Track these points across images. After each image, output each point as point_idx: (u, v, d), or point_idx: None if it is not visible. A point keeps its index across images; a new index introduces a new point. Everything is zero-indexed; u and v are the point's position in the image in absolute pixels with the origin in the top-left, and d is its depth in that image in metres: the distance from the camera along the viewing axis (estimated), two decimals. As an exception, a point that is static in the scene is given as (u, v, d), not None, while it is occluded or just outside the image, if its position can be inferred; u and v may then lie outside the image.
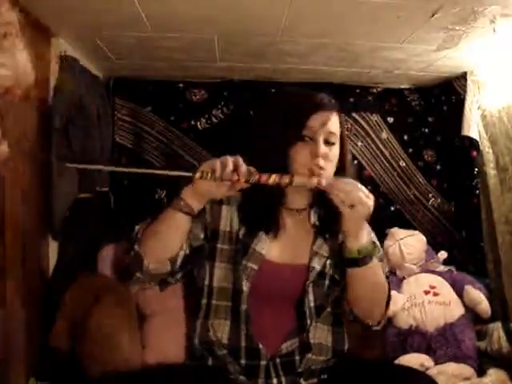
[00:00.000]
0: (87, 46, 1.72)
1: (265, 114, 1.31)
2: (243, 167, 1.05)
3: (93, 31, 1.59)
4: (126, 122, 2.17)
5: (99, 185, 2.02)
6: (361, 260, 1.15)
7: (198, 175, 1.05)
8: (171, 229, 1.14)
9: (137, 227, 1.22)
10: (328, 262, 1.24)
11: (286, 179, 1.09)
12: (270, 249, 1.22)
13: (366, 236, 1.16)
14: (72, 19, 1.50)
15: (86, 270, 1.74)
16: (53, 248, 1.75)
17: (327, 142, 1.18)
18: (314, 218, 1.27)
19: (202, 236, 1.24)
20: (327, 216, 1.23)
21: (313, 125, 1.16)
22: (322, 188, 1.10)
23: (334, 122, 1.20)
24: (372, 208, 1.09)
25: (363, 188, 1.09)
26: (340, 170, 1.23)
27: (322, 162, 1.14)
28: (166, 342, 1.51)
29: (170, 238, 1.15)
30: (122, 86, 2.16)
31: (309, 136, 1.16)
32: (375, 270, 1.19)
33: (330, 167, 1.18)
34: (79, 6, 1.36)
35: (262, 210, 1.20)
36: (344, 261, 1.18)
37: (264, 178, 1.08)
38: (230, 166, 1.04)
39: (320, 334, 1.26)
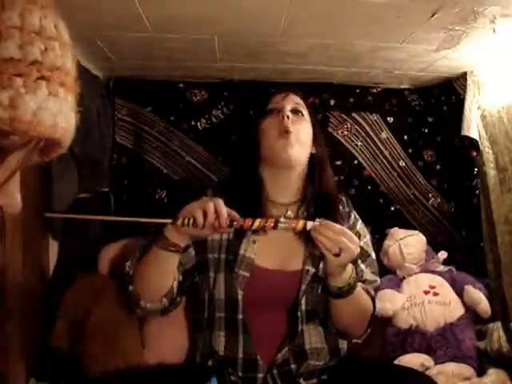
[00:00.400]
0: (87, 46, 1.71)
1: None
2: (224, 214, 1.03)
3: (93, 31, 1.59)
4: (126, 122, 2.17)
5: (99, 185, 2.02)
6: (344, 293, 1.15)
7: (179, 223, 1.03)
8: (160, 269, 1.13)
9: (127, 264, 1.21)
10: (321, 265, 1.23)
11: (270, 223, 1.04)
12: (259, 253, 1.21)
13: (349, 272, 1.14)
14: (72, 19, 1.50)
15: (85, 270, 1.74)
16: (53, 248, 1.75)
17: (295, 112, 1.22)
18: (303, 216, 1.25)
19: (193, 254, 1.23)
20: (318, 214, 1.20)
21: (277, 99, 1.24)
22: (307, 232, 1.07)
23: (299, 101, 1.29)
24: (357, 251, 1.07)
25: (348, 232, 1.06)
26: (315, 159, 1.26)
27: (288, 124, 1.18)
28: (166, 343, 1.51)
29: (161, 279, 1.15)
30: (122, 86, 2.16)
31: (275, 108, 1.21)
32: (358, 295, 1.19)
33: (299, 134, 1.21)
34: (79, 6, 1.36)
35: (245, 204, 1.18)
36: (327, 292, 1.18)
37: (248, 222, 1.04)
38: (212, 216, 1.02)
39: (315, 337, 1.25)
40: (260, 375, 1.18)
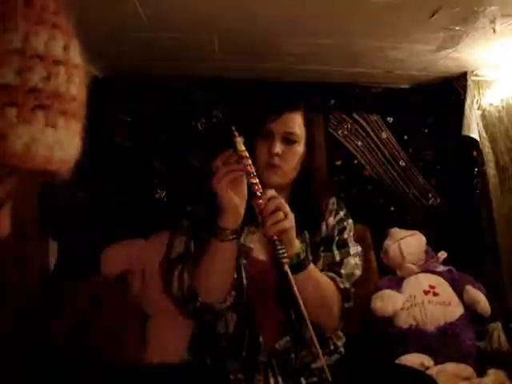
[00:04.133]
0: (87, 46, 1.71)
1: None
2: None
3: (93, 31, 1.59)
4: (126, 121, 2.17)
5: (99, 185, 2.02)
6: (295, 266, 1.15)
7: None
8: (227, 263, 1.16)
9: (178, 282, 1.19)
10: (310, 257, 1.25)
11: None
12: (256, 245, 1.24)
13: (296, 246, 1.16)
14: (72, 19, 1.50)
15: (86, 270, 1.74)
16: (53, 248, 1.75)
17: (287, 141, 1.20)
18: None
19: None
20: (300, 213, 1.24)
21: (271, 126, 1.20)
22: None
23: (294, 123, 1.23)
24: (277, 199, 1.10)
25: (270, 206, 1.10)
26: (306, 172, 1.24)
27: (275, 160, 1.19)
28: (168, 341, 1.52)
29: (229, 272, 1.18)
30: (122, 86, 2.16)
31: (267, 132, 1.20)
32: (314, 277, 1.19)
33: (286, 166, 1.21)
34: (79, 5, 1.36)
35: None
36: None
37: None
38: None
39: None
40: (262, 358, 1.20)
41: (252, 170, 1.09)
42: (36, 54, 0.41)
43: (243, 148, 1.09)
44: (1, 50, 0.39)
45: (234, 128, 1.09)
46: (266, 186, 1.24)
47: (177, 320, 1.52)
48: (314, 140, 1.27)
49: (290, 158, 1.22)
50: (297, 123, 1.23)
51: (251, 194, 1.12)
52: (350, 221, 1.37)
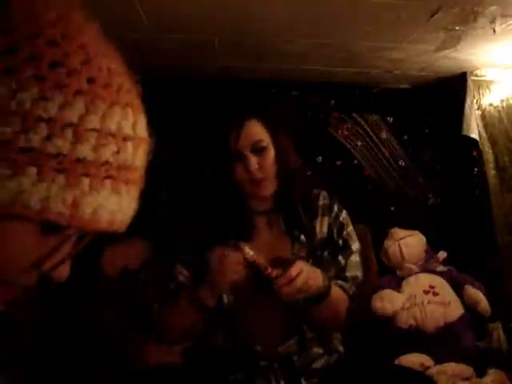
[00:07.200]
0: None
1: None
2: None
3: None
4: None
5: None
6: (316, 301, 1.17)
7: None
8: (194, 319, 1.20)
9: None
10: (310, 262, 1.24)
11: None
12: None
13: (321, 280, 1.17)
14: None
15: (86, 270, 1.74)
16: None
17: (257, 150, 1.18)
18: (281, 223, 1.28)
19: None
20: (292, 219, 1.26)
21: (235, 146, 1.17)
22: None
23: (254, 131, 1.20)
24: (304, 273, 1.10)
25: (291, 273, 1.10)
26: (283, 175, 1.24)
27: (257, 175, 1.17)
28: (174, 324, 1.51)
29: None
30: (122, 86, 2.16)
31: (237, 154, 1.18)
32: (331, 301, 1.20)
33: (267, 173, 1.20)
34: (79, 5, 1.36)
35: (231, 214, 1.23)
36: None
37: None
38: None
39: (311, 327, 1.26)
40: (263, 364, 1.20)
41: (263, 263, 1.11)
42: (110, 132, 0.46)
43: (251, 254, 1.11)
44: (82, 129, 0.44)
45: (241, 244, 1.12)
46: (259, 199, 1.24)
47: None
48: (281, 141, 1.25)
49: (268, 166, 1.20)
50: (258, 129, 1.20)
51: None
52: (344, 212, 1.36)
